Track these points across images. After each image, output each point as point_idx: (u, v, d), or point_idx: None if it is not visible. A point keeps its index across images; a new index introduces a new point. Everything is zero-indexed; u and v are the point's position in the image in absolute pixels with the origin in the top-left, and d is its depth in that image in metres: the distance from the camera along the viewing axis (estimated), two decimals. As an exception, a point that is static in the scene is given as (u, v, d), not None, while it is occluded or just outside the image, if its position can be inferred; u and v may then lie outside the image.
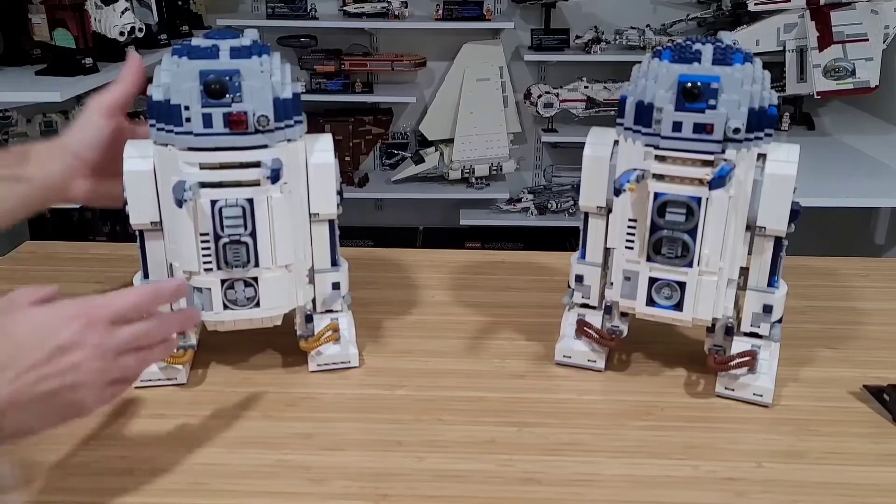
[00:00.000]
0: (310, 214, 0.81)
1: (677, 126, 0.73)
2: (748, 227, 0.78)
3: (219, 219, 0.74)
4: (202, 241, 0.75)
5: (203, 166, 0.74)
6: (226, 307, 0.78)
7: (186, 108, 0.72)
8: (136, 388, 0.81)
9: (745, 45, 0.78)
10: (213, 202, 0.74)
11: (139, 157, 0.76)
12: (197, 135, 0.72)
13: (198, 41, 0.75)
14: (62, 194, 0.81)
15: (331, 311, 0.86)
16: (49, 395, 0.57)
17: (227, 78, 0.71)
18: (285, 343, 0.91)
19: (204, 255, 0.76)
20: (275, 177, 0.73)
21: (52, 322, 0.58)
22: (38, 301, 0.59)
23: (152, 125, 0.74)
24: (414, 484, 0.69)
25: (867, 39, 2.27)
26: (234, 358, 0.88)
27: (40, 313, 0.58)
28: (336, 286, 0.85)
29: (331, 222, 0.82)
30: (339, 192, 0.81)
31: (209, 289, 0.77)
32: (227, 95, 0.72)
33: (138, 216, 0.77)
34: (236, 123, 0.72)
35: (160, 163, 0.76)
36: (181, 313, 0.75)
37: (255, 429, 0.76)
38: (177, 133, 0.73)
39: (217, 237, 0.75)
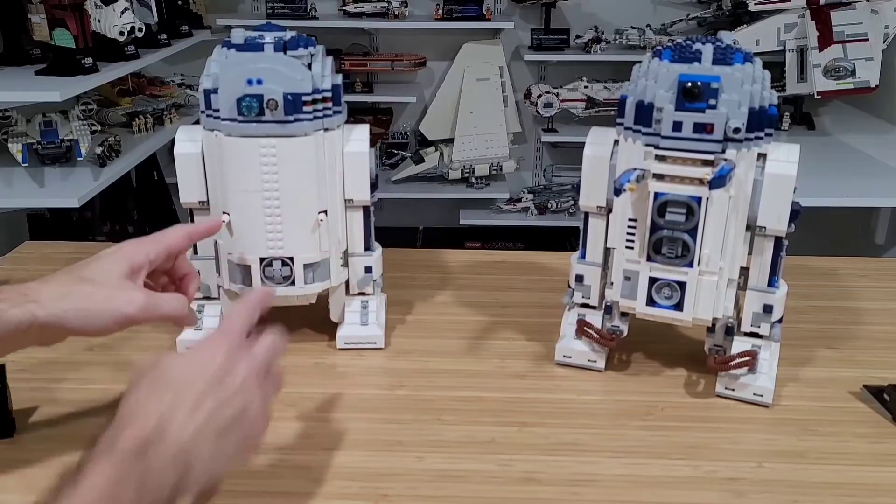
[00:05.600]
0: (344, 200, 0.86)
1: (677, 126, 0.73)
2: (748, 227, 0.78)
3: None
4: None
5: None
6: (263, 283, 0.84)
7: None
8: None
9: (746, 44, 0.78)
10: None
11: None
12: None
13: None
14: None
15: (363, 293, 0.90)
16: (227, 425, 0.53)
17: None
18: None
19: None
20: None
21: (200, 355, 0.56)
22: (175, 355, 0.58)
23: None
24: (414, 484, 0.69)
25: (867, 39, 2.27)
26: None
27: (186, 354, 0.56)
28: (369, 270, 0.89)
29: (365, 209, 0.87)
30: (374, 182, 0.87)
31: (248, 266, 0.83)
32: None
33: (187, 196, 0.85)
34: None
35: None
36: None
37: (254, 429, 0.76)
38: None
39: None
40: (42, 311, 0.62)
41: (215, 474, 0.52)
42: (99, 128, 2.12)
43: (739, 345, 0.81)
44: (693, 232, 0.75)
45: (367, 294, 0.91)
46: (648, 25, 2.98)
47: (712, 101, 0.72)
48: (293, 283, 0.84)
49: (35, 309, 0.61)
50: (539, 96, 2.96)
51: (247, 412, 0.54)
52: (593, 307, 0.86)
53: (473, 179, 3.07)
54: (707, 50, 0.74)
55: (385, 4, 2.91)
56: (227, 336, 0.57)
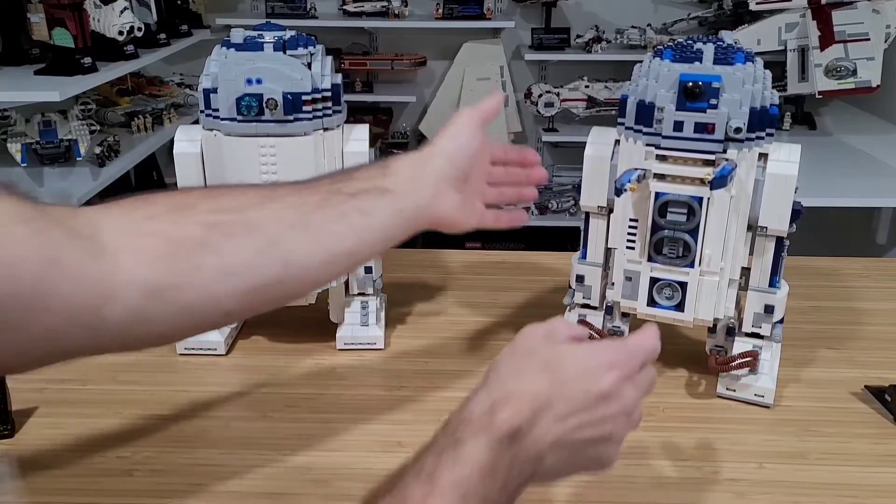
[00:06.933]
0: None
1: (678, 125, 0.73)
2: (749, 227, 0.78)
3: None
4: None
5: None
6: None
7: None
8: (181, 354, 0.87)
9: (747, 44, 0.78)
10: None
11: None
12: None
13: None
14: (429, 208, 0.66)
15: (363, 294, 0.91)
16: (584, 444, 0.53)
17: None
18: (284, 343, 0.91)
19: None
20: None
21: (597, 368, 0.54)
22: (576, 338, 0.56)
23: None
24: (414, 485, 0.68)
25: (868, 39, 2.26)
26: (232, 359, 0.88)
27: (583, 355, 0.54)
28: (368, 270, 0.90)
29: None
30: None
31: None
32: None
33: None
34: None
35: None
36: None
37: (255, 429, 0.76)
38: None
39: None
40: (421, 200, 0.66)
41: (555, 475, 0.54)
42: (98, 128, 2.12)
43: (740, 345, 0.81)
44: (694, 232, 0.75)
45: (367, 294, 0.91)
46: (649, 25, 2.98)
47: (713, 101, 0.72)
48: None
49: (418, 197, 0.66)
50: (539, 96, 2.96)
51: (604, 442, 0.53)
52: (594, 307, 0.86)
53: (474, 179, 3.07)
54: (708, 49, 0.74)
55: (385, 4, 2.91)
56: (626, 365, 0.54)
